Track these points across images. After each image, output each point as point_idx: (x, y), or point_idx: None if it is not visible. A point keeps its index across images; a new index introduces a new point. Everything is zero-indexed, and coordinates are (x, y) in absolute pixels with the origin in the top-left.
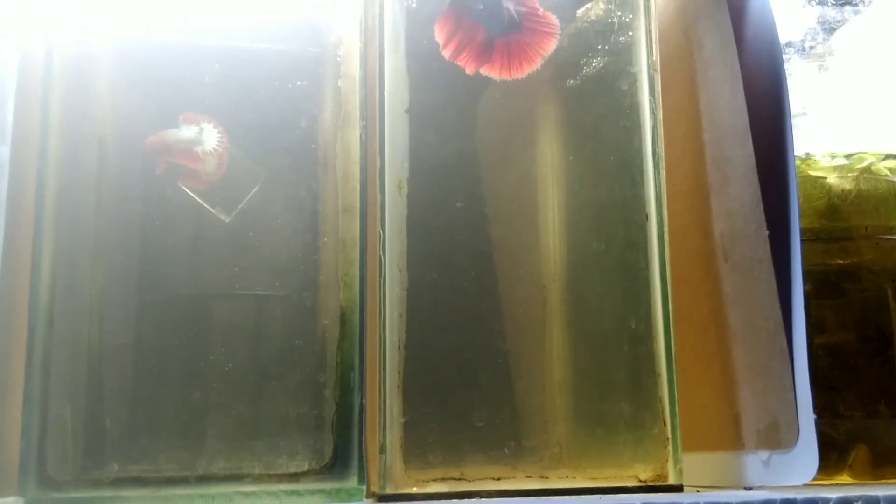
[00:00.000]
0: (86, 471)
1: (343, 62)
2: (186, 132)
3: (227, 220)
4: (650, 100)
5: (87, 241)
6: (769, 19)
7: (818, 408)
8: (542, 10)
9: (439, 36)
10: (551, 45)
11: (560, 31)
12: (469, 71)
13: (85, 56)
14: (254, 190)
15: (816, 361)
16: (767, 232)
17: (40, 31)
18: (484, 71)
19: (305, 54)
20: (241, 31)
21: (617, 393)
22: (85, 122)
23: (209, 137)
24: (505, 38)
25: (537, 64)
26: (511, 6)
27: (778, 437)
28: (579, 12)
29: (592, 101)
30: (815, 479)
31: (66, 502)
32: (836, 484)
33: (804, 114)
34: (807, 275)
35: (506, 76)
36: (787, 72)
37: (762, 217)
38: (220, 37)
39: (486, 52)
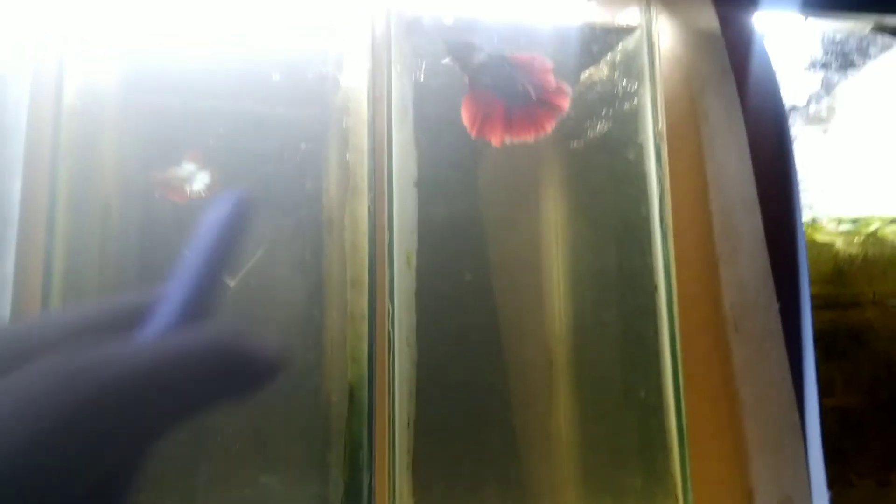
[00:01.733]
0: None
1: (350, 133)
2: (182, 170)
3: (231, 285)
4: (657, 168)
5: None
6: (775, 88)
7: (828, 476)
8: (553, 79)
9: (465, 118)
10: (564, 106)
11: (570, 96)
12: (496, 143)
13: (91, 115)
14: (259, 253)
15: (826, 427)
16: (779, 305)
17: (52, 71)
18: (508, 140)
19: (312, 117)
20: (247, 93)
21: (627, 465)
22: (90, 187)
23: (199, 179)
24: (524, 107)
25: (554, 123)
26: (525, 81)
27: None
28: (582, 76)
29: (599, 167)
30: None
31: None
32: None
33: (810, 178)
34: (815, 339)
35: (528, 139)
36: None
37: (773, 289)
38: (227, 99)
39: (507, 124)
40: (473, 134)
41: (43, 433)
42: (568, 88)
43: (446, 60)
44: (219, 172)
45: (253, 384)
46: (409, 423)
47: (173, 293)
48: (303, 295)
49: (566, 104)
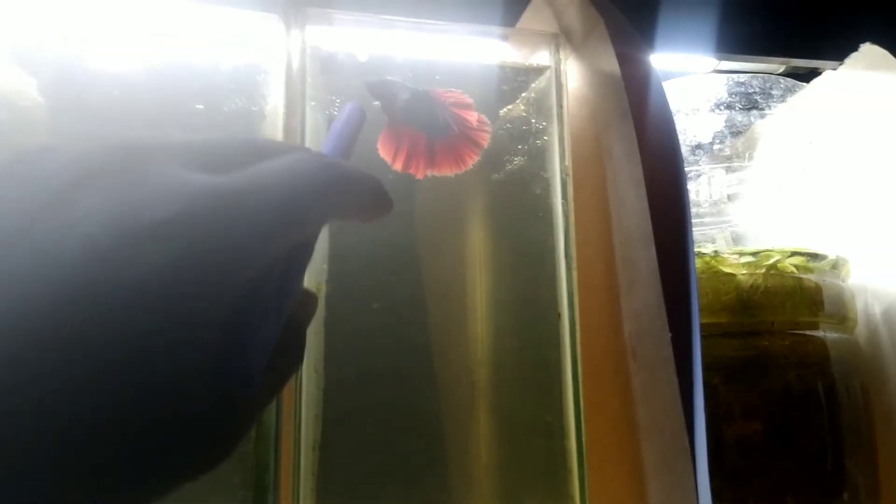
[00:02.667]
0: None
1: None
2: None
3: None
4: (563, 203)
5: None
6: (671, 130)
7: (727, 499)
8: (474, 114)
9: (385, 153)
10: (485, 141)
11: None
12: (419, 176)
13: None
14: None
15: (726, 453)
16: (670, 334)
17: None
18: (430, 173)
19: None
20: (172, 122)
21: (534, 485)
22: None
23: None
24: (445, 139)
25: (477, 157)
26: (447, 116)
27: None
28: (502, 112)
29: (512, 200)
30: None
31: None
32: None
33: (715, 213)
34: (717, 367)
35: (450, 173)
36: (695, 174)
37: (665, 318)
38: (152, 126)
39: (430, 158)
40: (398, 168)
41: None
42: (488, 125)
43: (376, 103)
44: None
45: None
46: (314, 447)
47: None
48: None
49: (487, 140)
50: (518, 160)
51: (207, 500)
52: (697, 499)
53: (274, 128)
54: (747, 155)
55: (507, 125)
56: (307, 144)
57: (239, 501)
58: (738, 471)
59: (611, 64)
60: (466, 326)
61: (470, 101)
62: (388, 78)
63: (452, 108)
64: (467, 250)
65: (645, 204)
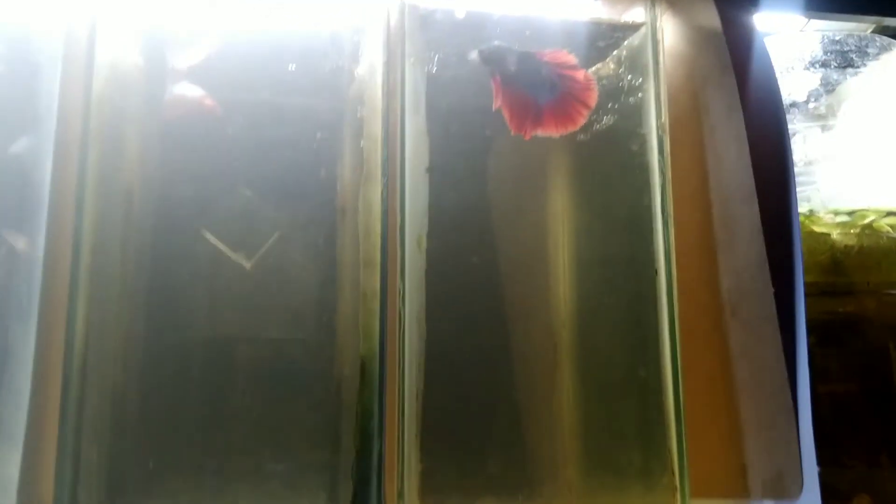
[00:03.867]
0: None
1: (365, 123)
2: None
3: (247, 267)
4: (660, 160)
5: (117, 292)
6: (774, 86)
7: (821, 458)
8: (581, 74)
9: (507, 117)
10: (593, 99)
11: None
12: (527, 137)
13: (117, 106)
14: (275, 236)
15: (820, 411)
16: (773, 290)
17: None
18: (539, 133)
19: (327, 108)
20: (264, 85)
21: (627, 441)
22: (116, 175)
23: None
24: (552, 100)
25: (585, 116)
26: (555, 77)
27: (783, 488)
28: (591, 70)
29: (604, 158)
30: None
31: None
32: None
33: (809, 172)
34: (811, 326)
35: (561, 132)
36: (791, 132)
37: (768, 276)
38: (245, 90)
39: (537, 118)
40: (513, 131)
41: None
42: (594, 82)
43: (473, 56)
44: (237, 160)
45: None
46: (417, 395)
47: None
48: (317, 276)
49: (594, 98)
50: (607, 118)
51: (315, 446)
52: (801, 456)
53: (373, 84)
54: (842, 113)
55: (601, 82)
56: (407, 99)
57: (345, 449)
58: (832, 430)
59: (711, 19)
60: (548, 288)
61: (574, 60)
62: (497, 43)
63: (559, 69)
64: (549, 211)
65: (747, 160)
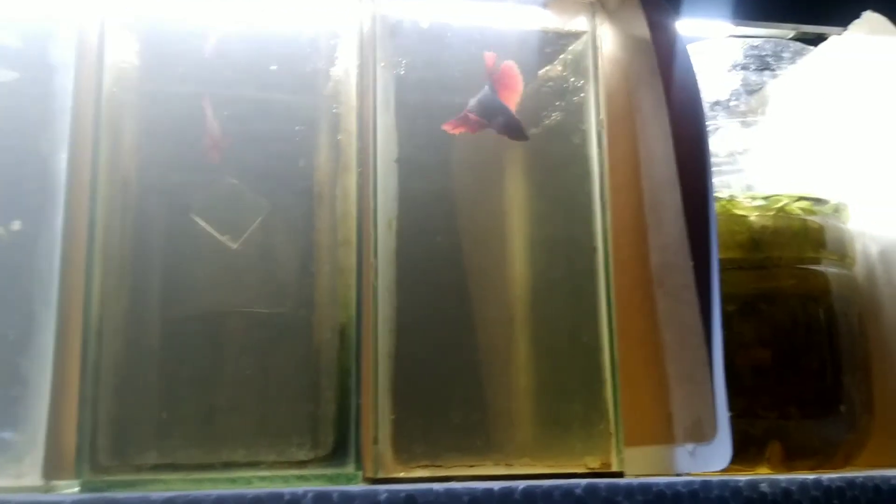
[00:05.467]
0: (130, 458)
1: (341, 119)
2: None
3: (234, 247)
4: (598, 152)
5: (120, 267)
6: (694, 87)
7: (739, 410)
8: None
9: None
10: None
11: (525, 89)
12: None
13: (116, 101)
14: (258, 219)
15: (739, 371)
16: (692, 263)
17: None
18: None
19: (306, 104)
20: (249, 82)
21: (570, 396)
22: (115, 163)
23: None
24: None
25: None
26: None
27: (701, 433)
28: (541, 72)
29: (552, 151)
30: (736, 469)
31: (114, 484)
32: (755, 475)
33: (731, 162)
34: (731, 297)
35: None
36: (715, 126)
37: (687, 251)
38: (230, 86)
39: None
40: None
41: None
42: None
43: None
44: (225, 151)
45: None
46: (389, 356)
47: None
48: (298, 255)
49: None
50: (556, 115)
51: (299, 400)
52: (714, 402)
53: (348, 85)
54: (759, 111)
55: (548, 83)
56: (378, 98)
57: (326, 403)
58: (749, 387)
59: (641, 29)
60: (505, 265)
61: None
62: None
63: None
64: (504, 197)
65: (671, 152)
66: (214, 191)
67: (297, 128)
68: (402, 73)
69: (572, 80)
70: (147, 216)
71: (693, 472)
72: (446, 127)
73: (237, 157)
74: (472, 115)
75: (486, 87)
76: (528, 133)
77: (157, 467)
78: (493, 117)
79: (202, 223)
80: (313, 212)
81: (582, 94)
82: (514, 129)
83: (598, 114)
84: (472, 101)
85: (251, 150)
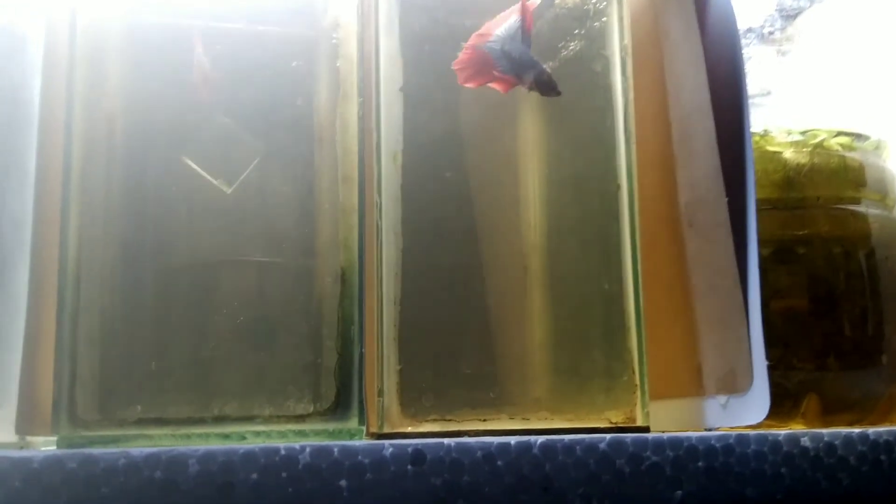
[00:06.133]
0: (112, 412)
1: (341, 44)
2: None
3: (228, 192)
4: (622, 80)
5: (104, 210)
6: (729, 8)
7: (773, 361)
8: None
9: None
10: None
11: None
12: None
13: (99, 34)
14: (254, 162)
15: (772, 320)
16: (727, 199)
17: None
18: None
19: (301, 36)
20: (240, 14)
21: (591, 347)
22: (97, 100)
23: None
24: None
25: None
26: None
27: (734, 383)
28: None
29: (570, 81)
30: (770, 425)
31: (94, 440)
32: (791, 430)
33: (765, 94)
34: (765, 241)
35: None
36: (747, 55)
37: (722, 186)
38: (221, 19)
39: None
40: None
41: None
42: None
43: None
44: (216, 88)
45: None
46: (395, 302)
47: None
48: (296, 199)
49: None
50: (574, 45)
51: (300, 350)
52: (750, 351)
53: (347, 8)
54: (796, 39)
55: (564, 9)
56: (381, 23)
57: (327, 353)
58: (784, 336)
59: None
60: (518, 206)
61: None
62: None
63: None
64: (517, 132)
65: (704, 79)
66: (206, 131)
67: (294, 63)
68: None
69: (594, 2)
70: (135, 157)
71: (724, 427)
72: (464, 82)
73: (230, 95)
74: (498, 72)
75: (518, 38)
76: (559, 89)
77: (142, 422)
78: (522, 73)
79: (194, 166)
80: (313, 153)
81: (604, 18)
82: (546, 86)
83: (622, 39)
84: (496, 50)
85: (245, 87)
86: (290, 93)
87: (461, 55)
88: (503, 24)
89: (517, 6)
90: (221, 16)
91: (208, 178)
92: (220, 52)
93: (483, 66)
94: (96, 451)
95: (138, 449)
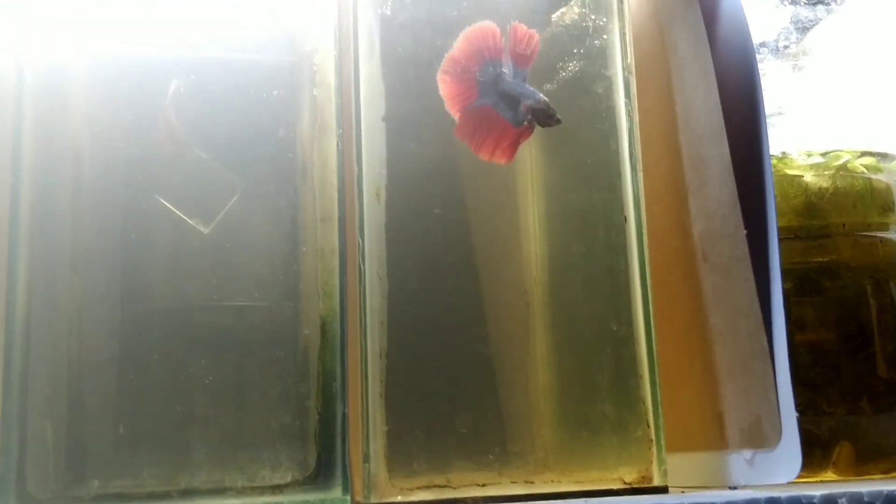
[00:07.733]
0: (67, 487)
1: (319, 71)
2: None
3: (205, 232)
4: (626, 102)
5: (64, 256)
6: (741, 20)
7: (800, 406)
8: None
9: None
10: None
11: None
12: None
13: (58, 70)
14: (232, 200)
15: (798, 359)
16: (745, 231)
17: (12, 47)
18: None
19: (281, 64)
20: (216, 42)
21: (600, 396)
22: (60, 136)
23: None
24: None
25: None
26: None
27: (761, 436)
28: (554, 17)
29: (569, 104)
30: (799, 477)
31: None
32: (821, 481)
33: (780, 113)
34: (786, 273)
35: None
36: (761, 71)
37: (739, 216)
38: (194, 48)
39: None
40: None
41: None
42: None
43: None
44: (190, 121)
45: None
46: (381, 355)
47: None
48: (278, 235)
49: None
50: (573, 65)
51: (277, 411)
52: (778, 400)
53: (324, 30)
54: (812, 53)
55: (561, 28)
56: (361, 46)
57: (306, 410)
58: (811, 377)
59: None
60: (518, 241)
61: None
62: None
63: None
64: (515, 161)
65: (716, 99)
66: (181, 166)
67: (274, 92)
68: (388, 12)
69: (593, 19)
70: (104, 197)
71: (752, 485)
72: (458, 134)
73: (206, 128)
74: (488, 112)
75: (506, 70)
76: (559, 117)
77: (99, 498)
78: (516, 106)
79: (168, 205)
80: (296, 188)
81: (604, 36)
82: (544, 114)
83: (624, 57)
84: (484, 88)
85: (221, 119)
86: (271, 124)
87: (453, 114)
88: (484, 51)
89: (488, 29)
90: (194, 44)
91: (184, 217)
92: (195, 82)
93: (481, 121)
94: None
95: None
